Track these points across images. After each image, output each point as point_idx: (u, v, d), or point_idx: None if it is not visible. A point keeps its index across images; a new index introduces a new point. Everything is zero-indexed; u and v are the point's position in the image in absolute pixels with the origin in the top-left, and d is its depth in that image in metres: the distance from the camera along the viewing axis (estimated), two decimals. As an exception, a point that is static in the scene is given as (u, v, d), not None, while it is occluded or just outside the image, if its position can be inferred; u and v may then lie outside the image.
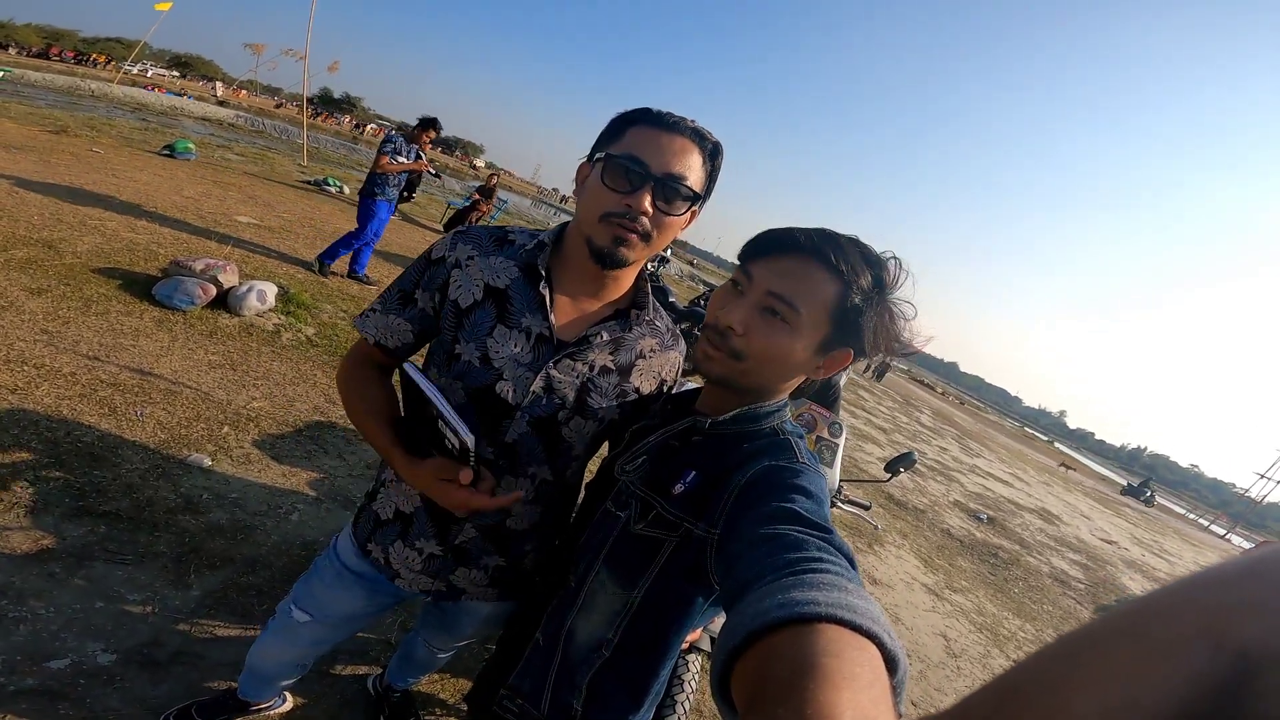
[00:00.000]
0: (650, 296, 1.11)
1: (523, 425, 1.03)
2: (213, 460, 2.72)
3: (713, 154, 0.99)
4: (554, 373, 1.02)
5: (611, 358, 1.06)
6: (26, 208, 4.91)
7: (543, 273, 1.01)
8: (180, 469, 2.59)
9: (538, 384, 1.01)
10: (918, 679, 3.43)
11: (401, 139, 6.12)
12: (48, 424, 2.54)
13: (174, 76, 60.90)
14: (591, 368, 1.04)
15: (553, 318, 1.01)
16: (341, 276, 6.24)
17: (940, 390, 58.05)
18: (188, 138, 11.63)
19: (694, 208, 0.99)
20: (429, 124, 6.23)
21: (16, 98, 13.37)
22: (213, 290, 4.23)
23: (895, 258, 0.89)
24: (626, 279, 1.08)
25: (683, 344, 1.19)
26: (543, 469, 1.08)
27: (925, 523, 6.80)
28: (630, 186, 0.92)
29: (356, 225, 6.24)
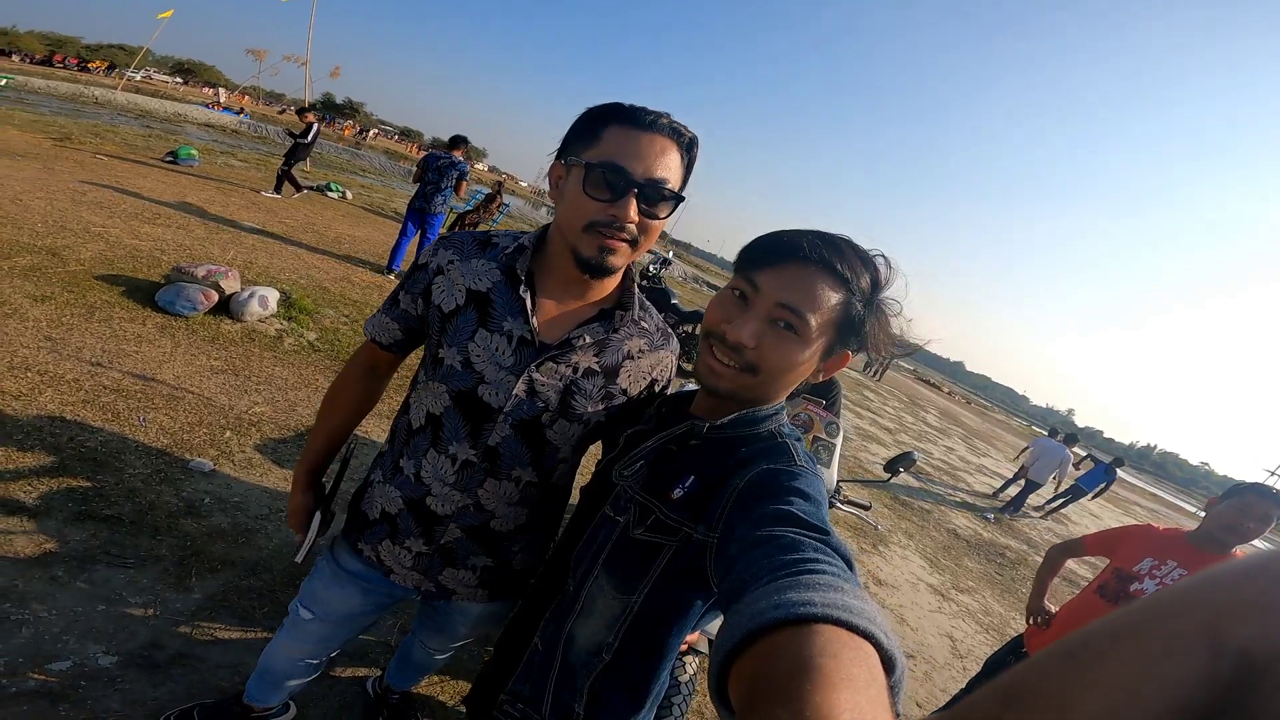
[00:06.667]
0: (636, 296, 1.09)
1: (505, 429, 1.04)
2: (215, 465, 2.73)
3: (689, 148, 0.97)
4: (536, 375, 1.01)
5: (596, 359, 1.05)
6: (30, 215, 4.95)
7: (521, 276, 1.01)
8: (182, 473, 2.60)
9: (520, 387, 1.01)
10: (923, 680, 3.41)
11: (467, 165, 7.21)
12: (51, 429, 2.56)
13: (177, 82, 61.14)
14: (575, 370, 1.04)
15: (534, 320, 1.01)
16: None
17: (946, 389, 57.86)
18: (191, 144, 11.71)
19: (676, 205, 0.98)
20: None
21: (21, 105, 13.41)
22: (215, 296, 4.25)
23: (884, 256, 0.89)
24: (611, 280, 1.07)
25: (674, 343, 1.17)
26: (526, 471, 1.09)
27: (931, 523, 6.78)
28: (614, 195, 0.91)
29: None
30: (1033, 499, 9.91)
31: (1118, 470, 10.79)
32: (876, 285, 0.87)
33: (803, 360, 0.86)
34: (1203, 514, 2.08)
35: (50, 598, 1.84)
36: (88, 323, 3.57)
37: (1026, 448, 9.74)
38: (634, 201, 0.91)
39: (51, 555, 1.97)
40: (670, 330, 1.18)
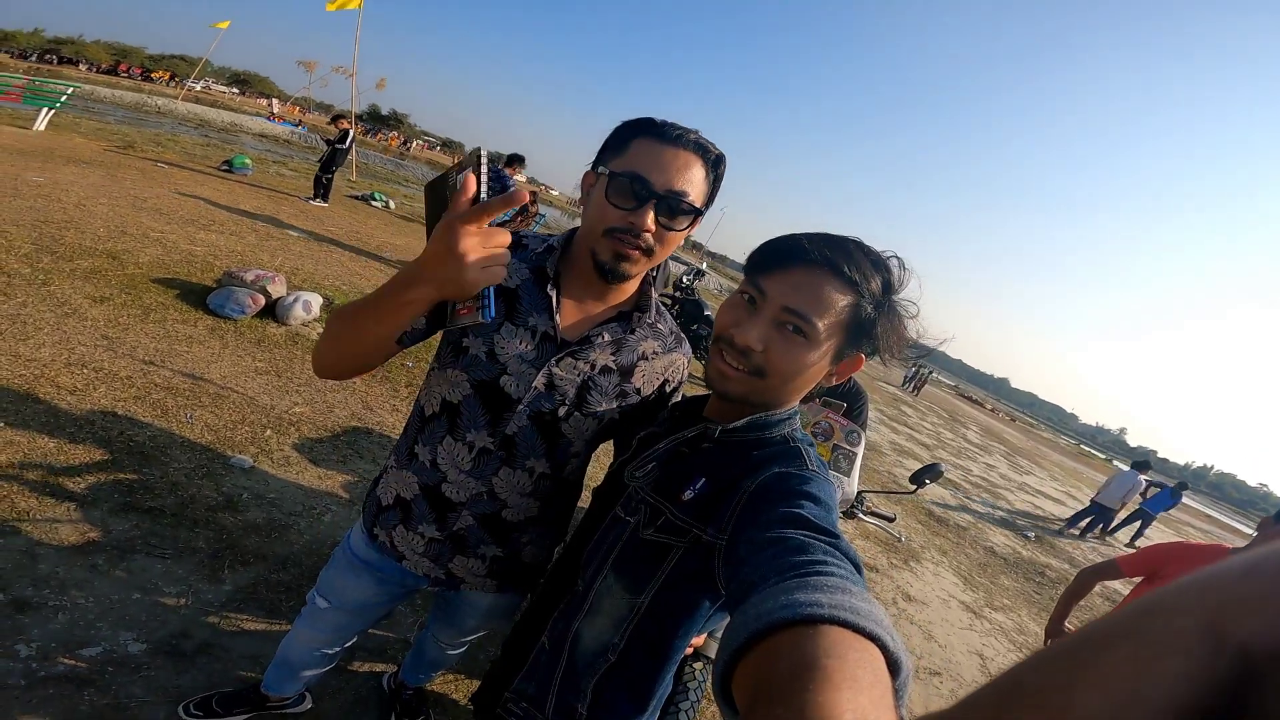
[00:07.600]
0: (653, 300, 1.14)
1: (523, 419, 1.07)
2: (254, 461, 2.83)
3: (715, 164, 1.00)
4: (556, 370, 1.05)
5: (613, 358, 1.09)
6: (93, 220, 5.22)
7: (550, 275, 1.05)
8: (224, 469, 2.71)
9: (540, 380, 1.05)
10: (949, 698, 3.32)
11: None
12: (103, 424, 2.69)
13: (233, 93, 63.54)
14: (593, 366, 1.07)
15: (558, 318, 1.05)
16: None
17: (990, 406, 56.23)
18: (245, 154, 12.17)
19: (696, 219, 1.01)
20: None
21: (87, 114, 14.08)
22: (262, 300, 4.42)
23: (897, 257, 0.89)
24: (631, 284, 1.11)
25: (686, 346, 1.21)
26: (541, 462, 1.12)
27: (967, 540, 6.59)
28: (633, 204, 0.95)
29: None
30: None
31: (1181, 494, 11.44)
32: (889, 287, 0.87)
33: (811, 364, 0.86)
34: (1254, 533, 1.98)
35: (89, 585, 1.93)
36: (143, 323, 3.74)
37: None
38: (652, 212, 0.95)
39: (94, 544, 2.07)
40: (683, 334, 1.22)
